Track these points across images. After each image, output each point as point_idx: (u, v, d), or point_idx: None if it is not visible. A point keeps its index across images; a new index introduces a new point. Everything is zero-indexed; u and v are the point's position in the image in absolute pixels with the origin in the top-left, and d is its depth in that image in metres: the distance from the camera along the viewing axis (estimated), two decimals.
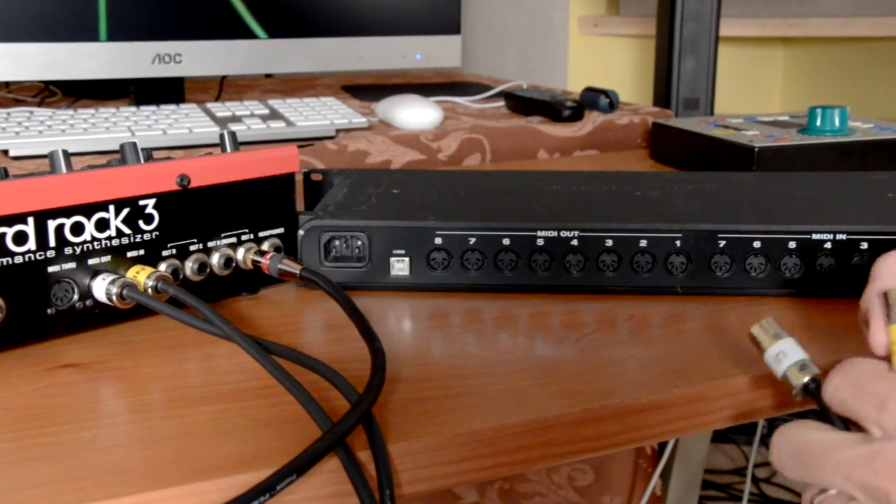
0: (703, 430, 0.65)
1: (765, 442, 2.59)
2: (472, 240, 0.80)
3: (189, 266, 0.76)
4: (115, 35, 1.46)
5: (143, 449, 0.55)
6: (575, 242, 0.79)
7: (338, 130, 1.37)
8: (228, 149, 0.80)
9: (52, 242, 0.68)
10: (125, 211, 0.71)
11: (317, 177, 0.98)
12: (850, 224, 0.78)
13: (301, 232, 0.81)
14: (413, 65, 1.70)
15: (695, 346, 0.70)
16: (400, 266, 0.81)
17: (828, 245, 0.78)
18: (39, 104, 1.69)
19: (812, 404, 0.59)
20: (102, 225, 0.70)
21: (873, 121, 1.33)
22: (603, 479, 1.83)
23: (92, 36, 1.45)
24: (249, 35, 1.56)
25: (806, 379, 0.59)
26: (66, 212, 0.68)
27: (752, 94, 3.01)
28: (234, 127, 1.31)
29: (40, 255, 0.68)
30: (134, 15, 1.47)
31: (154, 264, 0.73)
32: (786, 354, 0.60)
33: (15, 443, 0.56)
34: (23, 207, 0.66)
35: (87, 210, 0.69)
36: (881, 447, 0.51)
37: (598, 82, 1.79)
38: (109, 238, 0.71)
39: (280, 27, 1.58)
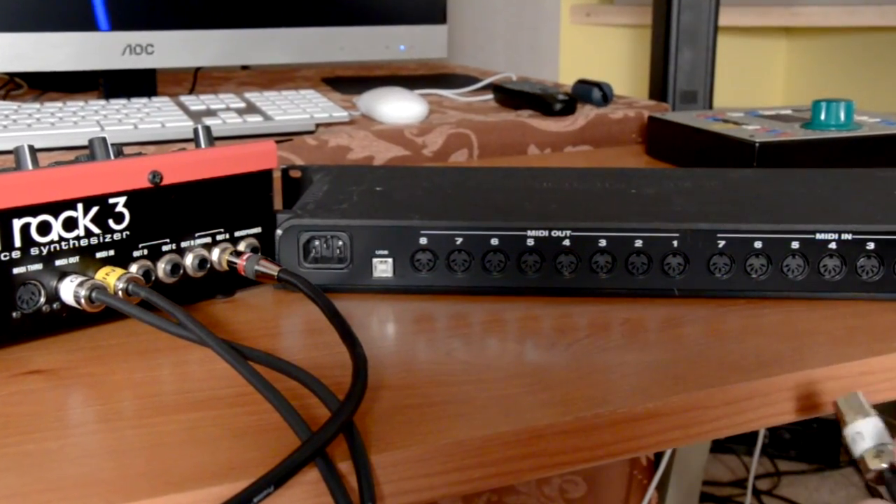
0: (701, 439, 0.65)
1: (766, 452, 2.59)
2: (459, 240, 0.80)
3: (161, 267, 0.76)
4: (84, 25, 1.46)
5: (112, 459, 0.55)
6: (567, 243, 0.79)
7: (318, 125, 1.37)
8: (203, 144, 0.80)
9: (18, 242, 0.68)
10: (94, 210, 0.71)
11: (295, 173, 0.98)
12: (855, 223, 0.79)
13: (279, 231, 0.81)
14: (397, 56, 1.70)
15: (693, 351, 0.70)
16: (383, 267, 0.81)
17: (832, 245, 0.78)
18: (4, 97, 1.68)
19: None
20: (70, 224, 0.70)
21: (880, 115, 1.34)
22: (596, 490, 1.83)
23: (59, 26, 1.44)
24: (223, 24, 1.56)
25: (883, 466, 0.58)
26: (33, 210, 0.68)
27: (753, 87, 3.02)
28: (208, 121, 1.31)
29: (5, 256, 0.67)
30: (104, 4, 1.47)
31: (125, 265, 0.73)
32: (863, 437, 0.59)
33: None
34: None
35: (55, 209, 0.69)
36: None
37: (591, 74, 1.80)
38: (78, 238, 0.71)
39: (257, 16, 1.58)
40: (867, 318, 0.76)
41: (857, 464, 0.59)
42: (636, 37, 2.73)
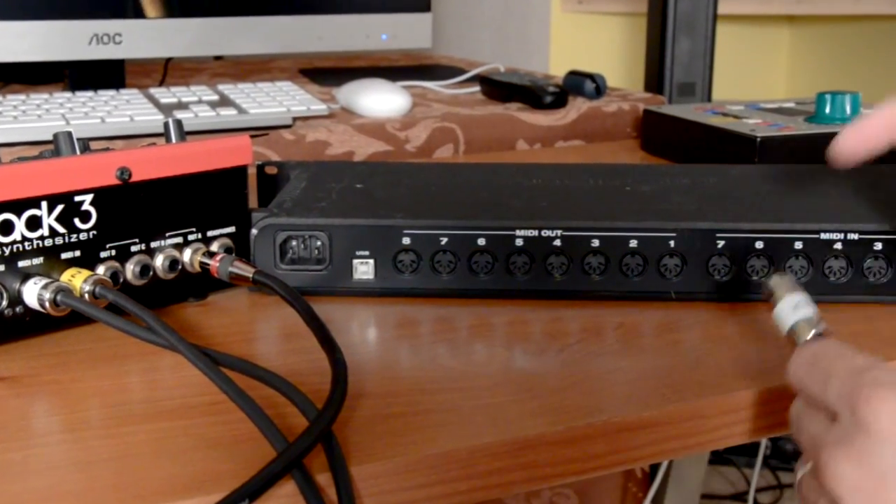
0: (699, 450, 0.65)
1: (767, 464, 2.60)
2: (444, 240, 0.80)
3: (130, 269, 0.76)
4: (48, 13, 1.45)
5: (78, 471, 0.55)
6: (557, 243, 0.79)
7: (295, 118, 1.37)
8: (174, 139, 0.80)
9: None
10: (59, 208, 0.71)
11: (272, 170, 0.98)
12: (862, 222, 0.79)
13: (254, 231, 0.81)
14: (378, 46, 1.70)
15: (691, 357, 0.71)
16: (364, 269, 0.81)
17: (838, 246, 0.79)
18: None
19: None
20: (34, 223, 0.70)
21: None
22: None
23: (22, 14, 1.44)
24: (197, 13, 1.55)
25: (811, 334, 0.63)
26: None
27: (754, 79, 3.03)
28: (179, 115, 1.30)
29: None
30: None
31: (91, 267, 0.73)
32: (805, 304, 0.65)
33: None
34: None
35: (17, 207, 0.69)
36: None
37: (583, 65, 1.80)
38: (42, 238, 0.71)
39: (231, 4, 1.58)
40: (874, 322, 0.76)
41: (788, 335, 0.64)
42: (631, 25, 2.73)
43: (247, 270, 0.76)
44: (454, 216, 0.81)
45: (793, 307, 0.65)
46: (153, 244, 0.77)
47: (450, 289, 0.81)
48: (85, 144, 0.76)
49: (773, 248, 0.79)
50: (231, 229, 0.82)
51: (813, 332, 0.63)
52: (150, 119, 1.29)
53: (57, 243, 0.72)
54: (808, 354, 0.60)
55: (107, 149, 0.78)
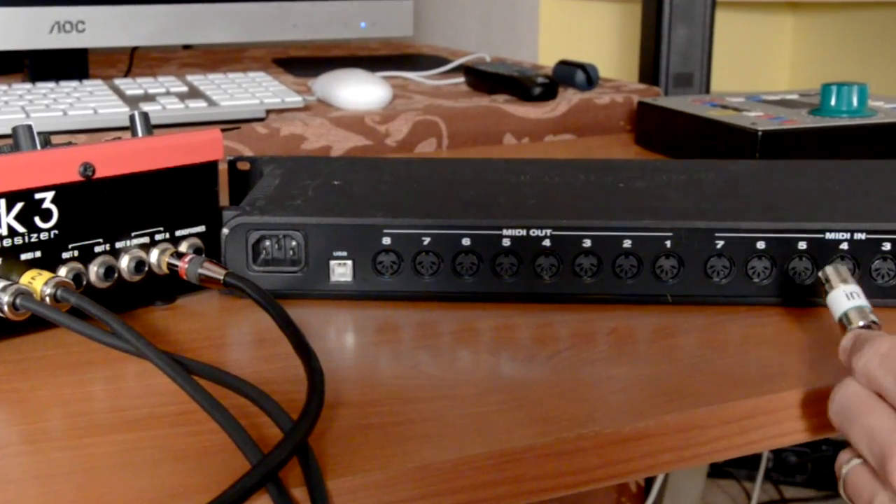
0: (697, 463, 0.65)
1: (769, 477, 2.60)
2: (427, 240, 0.80)
3: (94, 270, 0.76)
4: None
5: (38, 485, 0.55)
6: (547, 243, 0.80)
7: (268, 111, 1.37)
8: (140, 133, 0.80)
9: None
10: (18, 206, 0.71)
11: (244, 165, 0.98)
12: (870, 221, 0.79)
13: (225, 230, 0.81)
14: (357, 34, 1.70)
15: (688, 364, 0.71)
16: (341, 270, 0.81)
17: (844, 246, 0.79)
18: None
19: None
20: None
21: None
22: None
23: None
24: None
25: (864, 322, 0.68)
26: None
27: (756, 69, 3.03)
28: (146, 107, 1.30)
29: None
30: None
31: (53, 269, 0.73)
32: (859, 295, 0.70)
33: None
34: None
35: None
36: None
37: (574, 54, 1.80)
38: (0, 238, 0.71)
39: None
40: (884, 327, 0.76)
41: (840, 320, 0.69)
42: (625, 12, 2.74)
43: (217, 272, 0.76)
44: (437, 215, 0.81)
45: (848, 295, 0.69)
46: (118, 244, 0.77)
47: (433, 291, 0.81)
48: (46, 138, 0.76)
49: (776, 248, 0.79)
50: (201, 229, 0.81)
51: (864, 321, 0.67)
52: (115, 112, 1.29)
53: (16, 243, 0.72)
54: (884, 346, 0.62)
55: (69, 143, 0.77)
